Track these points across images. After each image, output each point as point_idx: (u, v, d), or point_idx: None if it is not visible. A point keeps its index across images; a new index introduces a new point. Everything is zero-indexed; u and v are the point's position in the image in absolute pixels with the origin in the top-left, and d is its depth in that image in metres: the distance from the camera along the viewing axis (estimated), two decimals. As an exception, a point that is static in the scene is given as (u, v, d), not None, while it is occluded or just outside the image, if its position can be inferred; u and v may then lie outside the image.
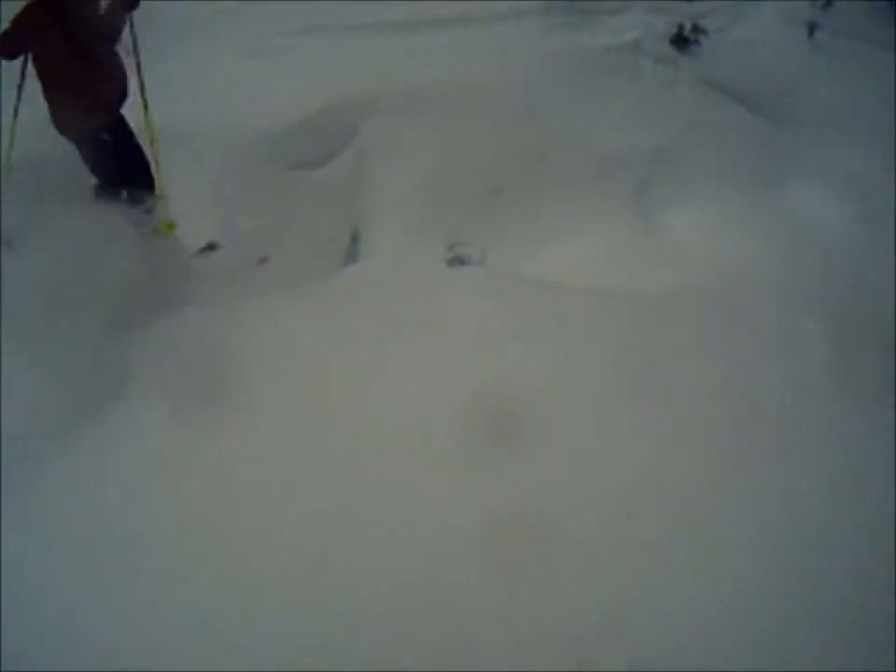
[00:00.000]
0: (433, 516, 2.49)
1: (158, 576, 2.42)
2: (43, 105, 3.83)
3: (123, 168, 3.99)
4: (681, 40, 5.41)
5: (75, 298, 3.27)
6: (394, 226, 3.96)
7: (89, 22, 3.71)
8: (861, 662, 2.18)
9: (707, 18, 5.68)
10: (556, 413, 2.79)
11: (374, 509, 2.51)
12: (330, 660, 2.20)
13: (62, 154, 3.96)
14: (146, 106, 4.00)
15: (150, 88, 3.97)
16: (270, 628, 2.28)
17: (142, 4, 3.92)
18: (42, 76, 3.78)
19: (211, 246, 4.15)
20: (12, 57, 3.80)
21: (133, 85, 3.97)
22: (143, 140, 4.01)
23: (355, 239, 4.06)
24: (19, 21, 3.70)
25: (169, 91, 4.29)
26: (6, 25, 3.74)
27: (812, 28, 5.56)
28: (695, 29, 5.44)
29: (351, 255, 3.98)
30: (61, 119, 3.84)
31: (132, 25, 3.91)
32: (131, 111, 4.00)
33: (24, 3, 3.71)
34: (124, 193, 3.99)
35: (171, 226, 4.15)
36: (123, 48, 3.92)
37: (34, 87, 3.82)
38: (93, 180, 4.06)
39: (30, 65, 3.80)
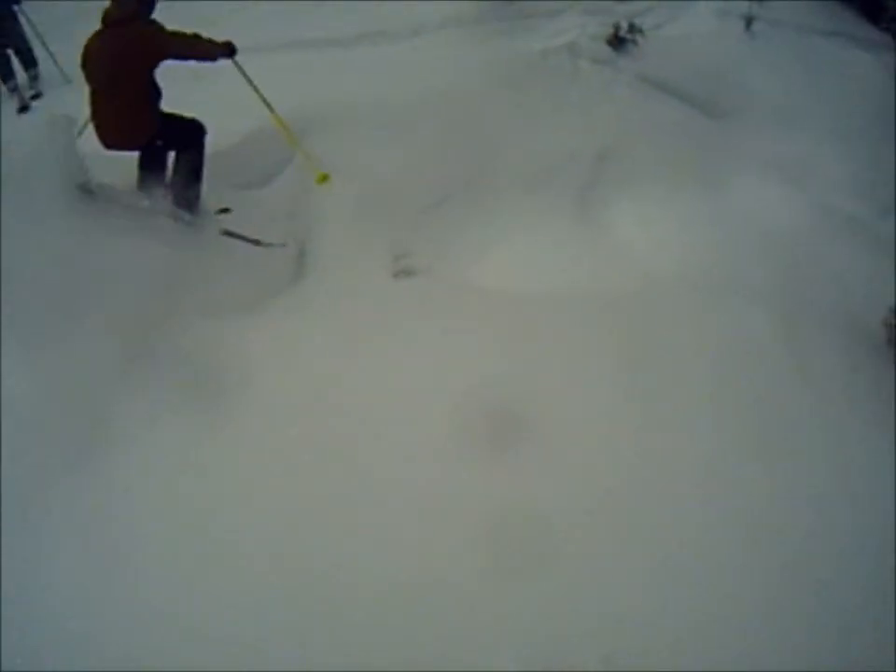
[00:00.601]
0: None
1: (158, 576, 2.42)
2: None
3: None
4: (618, 40, 5.42)
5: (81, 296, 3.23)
6: (339, 241, 3.95)
7: (105, 66, 3.75)
8: (862, 662, 2.20)
9: (643, 17, 5.75)
10: (526, 419, 2.81)
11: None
12: (330, 659, 2.21)
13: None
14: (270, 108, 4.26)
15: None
16: (270, 628, 2.29)
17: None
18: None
19: (225, 210, 4.27)
20: None
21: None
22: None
23: (301, 255, 4.04)
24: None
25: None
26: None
27: (749, 21, 5.62)
28: (632, 28, 5.45)
29: (298, 271, 3.95)
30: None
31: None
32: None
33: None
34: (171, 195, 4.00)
35: (325, 177, 4.33)
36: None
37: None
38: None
39: None
